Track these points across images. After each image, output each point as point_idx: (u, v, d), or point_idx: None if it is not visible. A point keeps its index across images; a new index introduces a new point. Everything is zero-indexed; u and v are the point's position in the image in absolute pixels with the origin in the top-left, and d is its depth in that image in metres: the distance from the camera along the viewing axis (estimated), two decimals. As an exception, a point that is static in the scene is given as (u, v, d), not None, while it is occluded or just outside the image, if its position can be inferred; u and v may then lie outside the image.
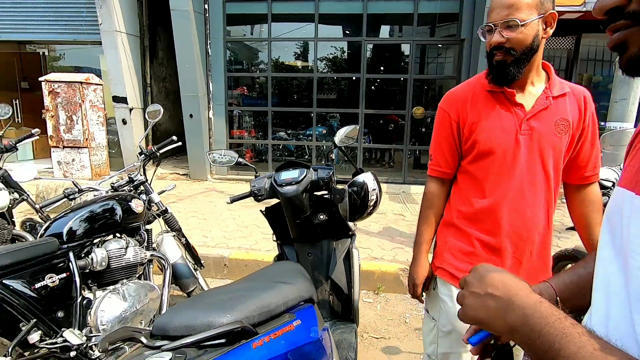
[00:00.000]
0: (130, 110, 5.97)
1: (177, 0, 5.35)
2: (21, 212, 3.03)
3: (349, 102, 6.30)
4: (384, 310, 2.66)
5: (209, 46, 5.89)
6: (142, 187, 2.22)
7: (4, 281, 1.32)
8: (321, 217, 1.72)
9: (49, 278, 1.47)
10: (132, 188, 2.16)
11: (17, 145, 2.45)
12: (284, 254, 1.85)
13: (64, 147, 3.88)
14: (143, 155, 2.20)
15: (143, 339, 0.80)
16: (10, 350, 1.29)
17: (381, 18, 6.16)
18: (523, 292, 0.46)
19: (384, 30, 6.41)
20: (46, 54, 6.59)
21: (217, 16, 5.84)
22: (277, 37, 6.08)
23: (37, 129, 2.42)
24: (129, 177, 2.15)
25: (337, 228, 1.77)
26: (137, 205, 1.97)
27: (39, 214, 2.67)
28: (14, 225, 2.42)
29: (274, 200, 1.81)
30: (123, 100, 5.80)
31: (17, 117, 7.11)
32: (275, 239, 1.89)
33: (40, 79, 3.83)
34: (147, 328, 1.10)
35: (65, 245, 1.61)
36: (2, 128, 2.74)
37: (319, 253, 1.78)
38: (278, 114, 6.55)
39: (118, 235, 1.88)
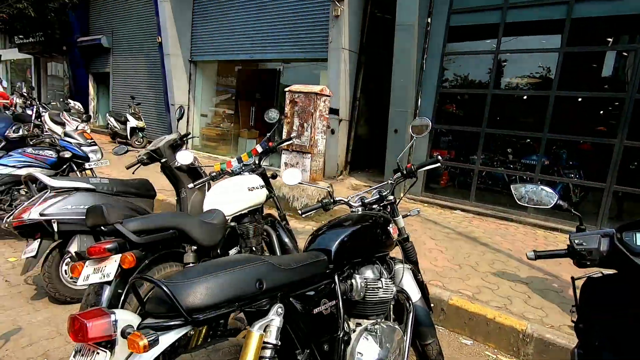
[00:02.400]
0: (340, 121, 6.32)
1: (404, 15, 5.30)
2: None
3: (594, 129, 4.86)
4: None
5: (424, 60, 5.63)
6: (389, 208, 1.99)
7: (290, 298, 1.20)
8: None
9: (323, 304, 1.31)
10: (380, 207, 1.95)
11: (277, 147, 2.67)
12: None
13: (292, 150, 4.21)
14: (399, 174, 1.95)
15: None
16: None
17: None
18: None
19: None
20: (281, 70, 7.78)
21: (439, 29, 5.51)
22: (508, 50, 5.27)
23: (294, 134, 2.62)
24: (380, 195, 1.95)
25: None
26: (394, 230, 1.72)
27: (279, 211, 2.87)
28: (264, 220, 2.63)
29: (605, 270, 1.20)
30: (336, 112, 6.18)
31: (251, 121, 8.71)
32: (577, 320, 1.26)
33: (285, 89, 4.29)
34: None
35: (331, 266, 1.46)
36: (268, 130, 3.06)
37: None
38: (490, 137, 5.68)
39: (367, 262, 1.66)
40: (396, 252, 1.99)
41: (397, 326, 1.62)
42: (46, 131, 5.08)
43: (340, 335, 1.36)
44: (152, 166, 3.16)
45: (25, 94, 9.94)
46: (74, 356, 0.89)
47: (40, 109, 7.20)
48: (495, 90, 5.39)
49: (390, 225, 1.72)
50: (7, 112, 7.24)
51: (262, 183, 2.44)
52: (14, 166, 3.25)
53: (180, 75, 9.01)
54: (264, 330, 1.07)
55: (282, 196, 4.32)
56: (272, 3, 7.43)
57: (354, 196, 2.00)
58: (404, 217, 2.05)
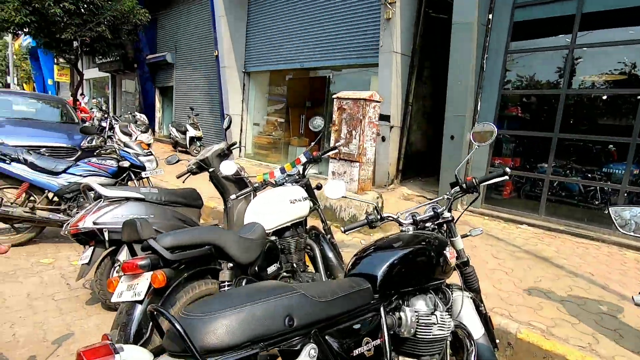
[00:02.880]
0: (391, 128, 6.05)
1: (462, 13, 4.93)
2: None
3: None
4: None
5: (484, 60, 5.18)
6: (445, 227, 1.74)
7: (326, 336, 1.04)
8: None
9: (366, 343, 1.13)
10: (435, 226, 1.72)
11: (322, 156, 2.54)
12: None
13: (340, 159, 4.05)
14: (457, 188, 1.70)
15: None
16: None
17: None
18: None
19: None
20: (331, 77, 7.71)
21: (501, 25, 5.04)
22: (585, 44, 4.65)
23: (340, 142, 2.49)
24: (434, 212, 1.71)
25: None
26: (451, 256, 1.47)
27: (324, 224, 2.72)
28: (307, 233, 2.50)
29: None
30: (386, 118, 5.92)
31: (301, 129, 8.73)
32: None
33: (333, 96, 4.16)
34: None
35: (376, 295, 1.27)
36: (314, 139, 2.95)
37: None
38: (562, 142, 5.04)
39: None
40: (454, 278, 1.74)
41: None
42: (117, 142, 5.52)
43: (388, 381, 1.16)
44: (202, 175, 3.20)
45: (103, 108, 11.02)
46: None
47: (113, 121, 7.87)
48: (569, 90, 4.78)
49: (447, 248, 1.48)
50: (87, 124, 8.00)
51: (305, 195, 2.31)
52: (80, 175, 3.50)
53: (235, 85, 9.35)
54: (294, 376, 0.92)
55: (328, 206, 4.18)
56: (321, 12, 7.42)
57: (404, 212, 1.78)
58: (463, 237, 1.79)
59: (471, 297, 1.73)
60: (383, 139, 6.06)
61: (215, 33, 9.14)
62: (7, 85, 23.41)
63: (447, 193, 1.73)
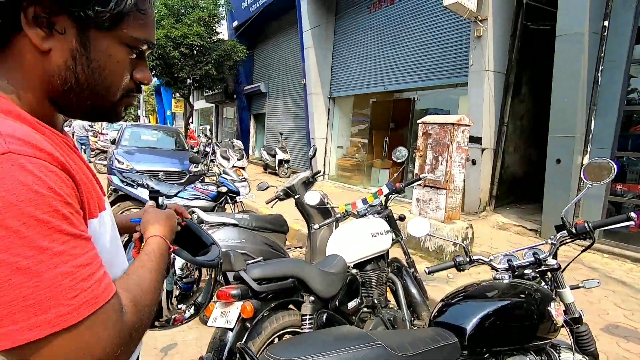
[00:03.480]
0: (482, 150, 5.62)
1: (568, 23, 4.42)
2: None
3: None
4: None
5: (599, 73, 4.51)
6: (548, 276, 1.53)
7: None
8: None
9: (452, 407, 1.04)
10: (537, 275, 1.51)
11: (405, 188, 2.48)
12: None
13: (425, 186, 3.89)
14: (564, 232, 1.48)
15: None
16: None
17: None
18: None
19: None
20: (416, 99, 7.55)
21: (621, 32, 4.36)
22: None
23: (424, 174, 2.40)
24: (535, 258, 1.51)
25: None
26: (557, 313, 1.28)
27: (407, 258, 2.62)
28: (389, 267, 2.43)
29: None
30: (477, 140, 5.53)
31: (384, 151, 8.66)
32: None
33: (418, 121, 4.06)
34: None
35: (465, 352, 1.16)
36: (395, 169, 2.91)
37: None
38: None
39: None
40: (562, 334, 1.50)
41: None
42: (217, 165, 6.22)
43: None
44: (289, 200, 3.38)
45: (208, 134, 12.53)
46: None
47: (215, 147, 8.89)
48: None
49: (553, 303, 1.29)
50: (193, 150, 9.17)
51: (388, 228, 2.26)
52: (187, 198, 4.00)
53: (320, 110, 9.79)
54: None
55: (412, 235, 4.01)
56: (407, 34, 7.38)
57: (498, 255, 1.62)
58: (573, 288, 1.54)
59: (585, 362, 1.47)
60: (474, 162, 5.65)
61: (303, 63, 9.77)
62: (138, 117, 28.40)
63: (552, 237, 1.52)
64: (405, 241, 2.56)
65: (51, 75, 0.50)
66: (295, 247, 4.44)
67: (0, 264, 0.38)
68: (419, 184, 4.00)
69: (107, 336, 0.43)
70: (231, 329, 1.44)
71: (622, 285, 3.40)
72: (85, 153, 11.47)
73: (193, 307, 0.76)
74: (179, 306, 0.77)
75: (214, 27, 12.37)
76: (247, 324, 1.51)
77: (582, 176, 1.49)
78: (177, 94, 16.88)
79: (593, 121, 4.59)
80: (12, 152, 0.40)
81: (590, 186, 1.46)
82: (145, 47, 0.56)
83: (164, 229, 0.67)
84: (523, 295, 1.27)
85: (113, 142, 7.72)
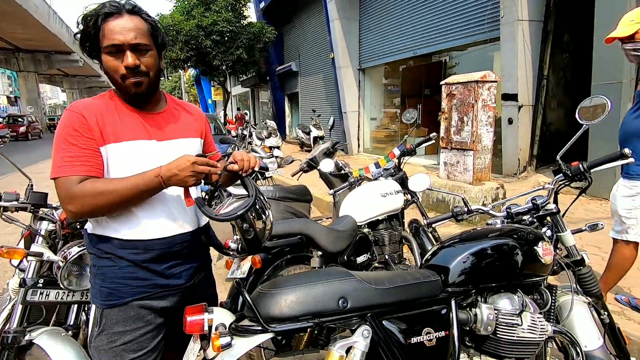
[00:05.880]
0: (519, 108, 5.30)
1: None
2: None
3: None
4: None
5: (652, 8, 4.01)
6: (548, 220, 1.53)
7: (384, 323, 1.10)
8: None
9: (426, 333, 1.14)
10: (534, 220, 1.52)
11: (416, 148, 2.50)
12: None
13: (452, 148, 3.84)
14: (560, 175, 1.47)
15: None
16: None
17: None
18: None
19: None
20: (447, 61, 7.22)
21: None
22: None
23: (434, 134, 2.39)
24: (533, 204, 1.52)
25: None
26: (545, 252, 1.31)
27: (424, 217, 2.67)
28: (404, 227, 2.51)
29: None
30: (513, 97, 5.23)
31: (418, 119, 8.43)
32: None
33: (441, 82, 3.95)
34: None
35: (449, 289, 1.25)
36: (407, 132, 2.93)
37: None
38: None
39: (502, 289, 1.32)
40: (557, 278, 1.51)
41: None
42: (254, 146, 6.52)
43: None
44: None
45: (245, 119, 12.96)
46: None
47: (251, 129, 9.23)
48: None
49: (540, 243, 1.31)
50: (231, 135, 9.60)
51: (398, 188, 2.32)
52: (222, 177, 4.31)
53: (350, 84, 9.68)
54: (348, 352, 1.02)
55: (441, 199, 4.00)
56: (433, -8, 6.99)
57: (499, 203, 1.64)
58: (575, 232, 1.54)
59: (587, 302, 1.48)
60: (510, 121, 5.36)
61: (330, 37, 9.65)
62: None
63: (550, 183, 1.51)
64: (420, 202, 2.60)
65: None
66: (327, 218, 4.61)
67: (55, 148, 1.00)
68: (445, 145, 3.93)
69: (62, 190, 0.98)
70: (245, 279, 1.64)
71: None
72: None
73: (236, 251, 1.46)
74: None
75: (242, 11, 12.54)
76: (261, 275, 1.70)
77: (577, 117, 1.45)
78: (214, 82, 17.52)
79: (645, 63, 4.14)
80: (68, 108, 1.05)
81: (586, 125, 1.42)
82: (113, 48, 1.01)
83: (164, 172, 0.98)
84: (509, 236, 1.31)
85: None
